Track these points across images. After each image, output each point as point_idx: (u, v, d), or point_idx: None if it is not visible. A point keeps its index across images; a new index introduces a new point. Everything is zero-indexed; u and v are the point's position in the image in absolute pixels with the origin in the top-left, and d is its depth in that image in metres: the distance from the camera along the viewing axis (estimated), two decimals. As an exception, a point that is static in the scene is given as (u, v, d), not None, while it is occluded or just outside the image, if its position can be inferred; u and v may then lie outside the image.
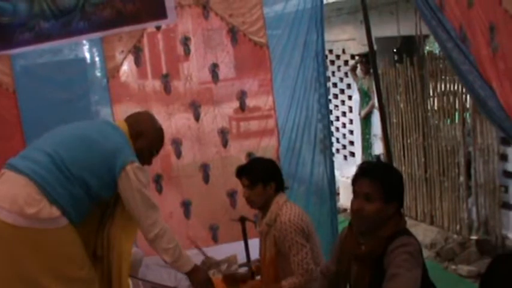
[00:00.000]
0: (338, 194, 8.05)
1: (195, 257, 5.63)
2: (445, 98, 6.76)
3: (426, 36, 7.54)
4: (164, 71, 5.56)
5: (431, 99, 7.03)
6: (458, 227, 6.66)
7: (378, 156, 8.31)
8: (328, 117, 5.69)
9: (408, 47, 7.74)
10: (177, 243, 3.60)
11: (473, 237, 6.42)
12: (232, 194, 5.69)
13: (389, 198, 2.90)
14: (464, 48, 3.73)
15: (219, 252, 5.59)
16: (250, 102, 5.68)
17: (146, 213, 3.52)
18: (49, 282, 3.33)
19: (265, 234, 3.89)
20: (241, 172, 3.98)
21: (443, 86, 6.79)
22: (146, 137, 3.66)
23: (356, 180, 3.01)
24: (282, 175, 4.05)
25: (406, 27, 7.03)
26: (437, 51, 7.33)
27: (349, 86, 9.83)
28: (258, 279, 4.25)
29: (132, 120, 3.73)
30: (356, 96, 9.22)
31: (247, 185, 3.90)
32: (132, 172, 3.44)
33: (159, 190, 5.66)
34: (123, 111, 5.51)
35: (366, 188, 2.92)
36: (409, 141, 7.42)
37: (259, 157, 4.46)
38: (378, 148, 8.62)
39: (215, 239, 5.80)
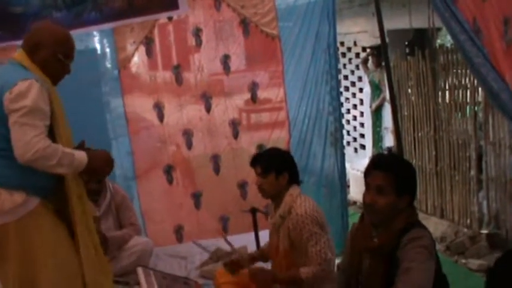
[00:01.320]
0: (348, 186, 8.04)
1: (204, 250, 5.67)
2: (456, 91, 6.72)
3: (438, 29, 7.50)
4: (175, 62, 5.59)
5: (443, 92, 6.99)
6: (468, 220, 6.63)
7: (389, 148, 8.28)
8: (340, 110, 5.69)
9: (420, 39, 7.70)
10: (61, 153, 3.13)
11: (484, 231, 6.39)
12: (243, 185, 5.72)
13: (401, 191, 2.90)
14: (478, 41, 3.70)
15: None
16: (261, 94, 5.69)
17: (17, 134, 3.08)
18: (42, 276, 3.27)
19: (278, 227, 3.88)
20: (256, 160, 3.96)
21: (454, 79, 6.75)
22: (44, 45, 3.31)
23: (368, 172, 3.00)
24: (297, 168, 4.03)
25: (418, 20, 6.99)
26: (449, 44, 7.29)
27: (360, 78, 9.80)
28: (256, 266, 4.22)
29: (26, 37, 3.37)
30: (367, 89, 9.19)
31: (260, 173, 3.88)
32: (9, 95, 3.11)
33: (170, 181, 5.70)
34: (134, 102, 5.55)
35: (378, 181, 2.91)
36: (420, 134, 7.38)
37: (276, 147, 4.43)
38: (389, 141, 8.60)
39: (225, 230, 5.82)
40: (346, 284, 3.32)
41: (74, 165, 3.21)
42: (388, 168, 2.93)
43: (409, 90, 7.53)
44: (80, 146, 3.49)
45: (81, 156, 3.27)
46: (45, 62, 3.31)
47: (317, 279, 3.66)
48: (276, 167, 3.86)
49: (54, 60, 3.35)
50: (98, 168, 3.47)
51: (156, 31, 5.51)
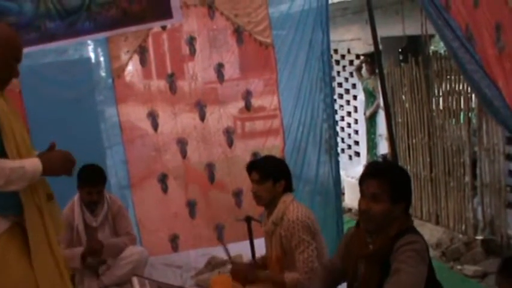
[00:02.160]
0: (343, 194, 8.05)
1: (201, 258, 5.67)
2: (450, 97, 6.75)
3: (431, 36, 7.53)
4: (169, 71, 5.59)
5: (437, 98, 7.02)
6: (463, 226, 6.64)
7: (384, 156, 8.30)
8: (334, 117, 5.69)
9: (413, 46, 7.73)
10: (9, 170, 2.80)
11: (479, 237, 6.40)
12: (237, 194, 5.71)
13: (396, 198, 2.90)
14: (470, 48, 3.71)
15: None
16: (255, 102, 5.69)
17: None
18: None
19: (271, 233, 3.89)
20: (253, 166, 3.96)
21: (448, 85, 6.77)
22: None
23: (363, 180, 3.01)
24: (291, 177, 4.04)
25: (412, 27, 7.01)
26: (442, 51, 7.32)
27: (354, 85, 9.82)
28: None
29: None
30: (361, 96, 9.21)
31: (257, 179, 3.87)
32: None
33: (165, 190, 5.68)
34: (128, 111, 5.54)
35: (373, 189, 2.92)
36: (414, 141, 7.40)
37: (272, 155, 4.44)
38: (383, 148, 8.61)
39: (220, 239, 5.81)
40: (325, 282, 3.34)
41: (27, 177, 2.88)
42: (382, 176, 2.93)
43: (403, 97, 7.56)
44: (50, 150, 3.14)
45: (34, 164, 2.92)
46: None
47: (302, 286, 3.66)
48: (273, 174, 3.87)
49: (5, 66, 2.99)
50: (57, 170, 3.06)
51: (150, 40, 5.51)
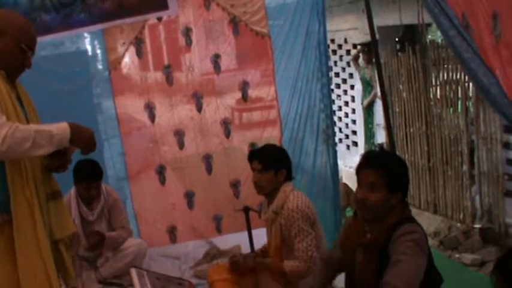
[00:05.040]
0: (341, 183, 8.05)
1: (199, 249, 5.68)
2: (447, 86, 6.74)
3: (428, 25, 7.51)
4: (166, 63, 5.57)
5: (434, 87, 7.01)
6: (461, 215, 6.64)
7: (381, 145, 8.30)
8: (331, 107, 5.69)
9: (410, 35, 7.72)
10: (34, 133, 2.73)
11: (477, 225, 6.40)
12: (235, 185, 5.71)
13: (393, 187, 2.91)
14: (467, 36, 3.71)
15: (223, 242, 5.63)
16: (252, 92, 5.68)
17: None
18: None
19: (271, 222, 3.90)
20: (255, 156, 3.96)
21: (445, 74, 6.76)
22: (5, 33, 2.86)
23: (360, 169, 3.01)
24: (291, 165, 4.05)
25: (408, 16, 7.00)
26: (439, 40, 7.31)
27: (351, 75, 9.81)
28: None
29: None
30: (358, 86, 9.20)
31: (259, 169, 3.88)
32: None
33: (162, 181, 5.68)
34: (125, 103, 5.54)
35: (370, 178, 2.92)
36: (412, 130, 7.40)
37: (273, 144, 4.44)
38: (381, 137, 8.61)
39: (219, 230, 5.82)
40: (326, 275, 3.37)
41: (55, 141, 2.81)
42: (379, 165, 2.94)
43: (400, 87, 7.55)
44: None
45: (62, 129, 2.87)
46: (5, 50, 2.87)
47: (301, 275, 3.68)
48: (275, 163, 3.88)
49: (16, 51, 2.90)
50: (84, 142, 3.05)
51: (146, 31, 5.49)
